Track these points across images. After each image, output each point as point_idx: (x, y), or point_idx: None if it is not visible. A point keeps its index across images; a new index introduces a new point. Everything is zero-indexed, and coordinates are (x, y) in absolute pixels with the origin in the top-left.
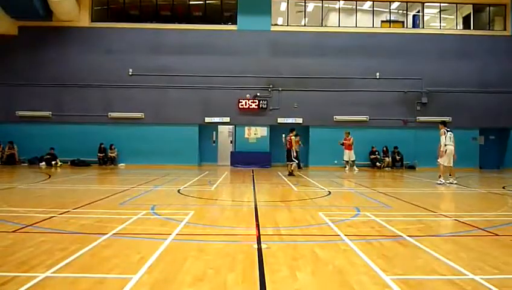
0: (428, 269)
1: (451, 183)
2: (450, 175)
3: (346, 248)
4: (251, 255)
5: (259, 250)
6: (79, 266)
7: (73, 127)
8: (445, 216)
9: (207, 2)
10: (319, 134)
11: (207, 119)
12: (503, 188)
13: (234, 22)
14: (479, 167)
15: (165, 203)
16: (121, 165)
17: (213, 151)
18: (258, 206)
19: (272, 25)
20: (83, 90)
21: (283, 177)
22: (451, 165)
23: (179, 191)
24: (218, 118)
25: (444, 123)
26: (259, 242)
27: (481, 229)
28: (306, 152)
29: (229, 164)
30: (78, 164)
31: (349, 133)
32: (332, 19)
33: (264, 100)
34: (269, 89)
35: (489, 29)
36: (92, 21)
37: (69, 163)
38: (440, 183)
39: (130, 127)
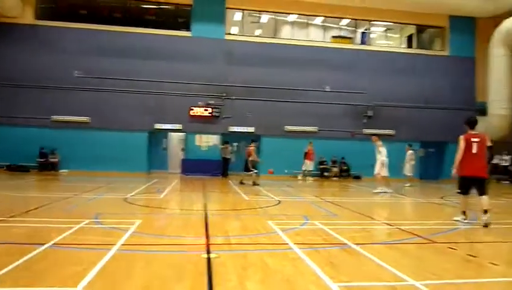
0: (373, 275)
1: (386, 192)
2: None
3: (294, 256)
4: (200, 265)
5: (209, 260)
6: (13, 279)
7: (11, 130)
8: (388, 224)
9: (161, 6)
10: (271, 144)
11: (157, 126)
12: (441, 198)
13: (188, 28)
14: (419, 178)
15: (110, 212)
16: (63, 171)
17: (163, 159)
18: (208, 215)
19: (226, 34)
20: (23, 91)
21: (234, 185)
22: (388, 175)
23: (125, 199)
24: (169, 124)
25: (378, 135)
26: (208, 252)
27: (421, 237)
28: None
29: (180, 171)
30: (15, 169)
31: (311, 143)
32: (286, 31)
33: (217, 108)
34: (222, 98)
35: (429, 49)
36: (37, 18)
37: (4, 168)
38: (381, 192)
39: (75, 131)
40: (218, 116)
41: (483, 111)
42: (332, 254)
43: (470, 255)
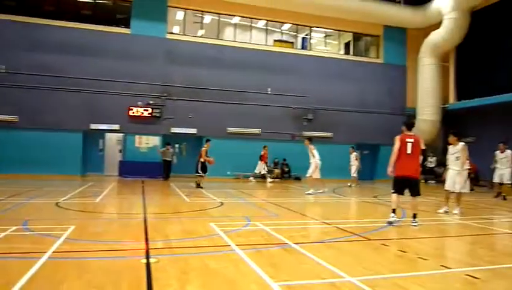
0: (312, 273)
1: (323, 192)
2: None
3: (236, 258)
4: (139, 271)
5: (148, 265)
6: None
7: None
8: (327, 223)
9: (98, 1)
10: (213, 145)
11: (93, 126)
12: (375, 197)
13: (128, 25)
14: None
15: (41, 218)
16: None
17: (99, 161)
18: (147, 219)
19: (168, 33)
20: None
21: (176, 188)
22: (319, 176)
23: (57, 204)
24: (106, 125)
25: (310, 139)
26: (147, 256)
27: (357, 234)
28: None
29: (118, 174)
30: None
31: (266, 147)
32: (229, 33)
33: (158, 109)
34: (163, 98)
35: (365, 56)
36: None
37: None
38: (311, 194)
39: (0, 131)
40: (159, 117)
41: (412, 116)
42: (273, 253)
43: (401, 251)
